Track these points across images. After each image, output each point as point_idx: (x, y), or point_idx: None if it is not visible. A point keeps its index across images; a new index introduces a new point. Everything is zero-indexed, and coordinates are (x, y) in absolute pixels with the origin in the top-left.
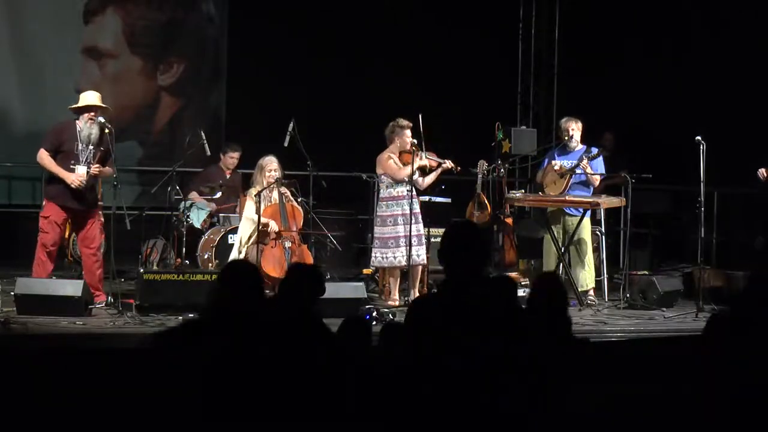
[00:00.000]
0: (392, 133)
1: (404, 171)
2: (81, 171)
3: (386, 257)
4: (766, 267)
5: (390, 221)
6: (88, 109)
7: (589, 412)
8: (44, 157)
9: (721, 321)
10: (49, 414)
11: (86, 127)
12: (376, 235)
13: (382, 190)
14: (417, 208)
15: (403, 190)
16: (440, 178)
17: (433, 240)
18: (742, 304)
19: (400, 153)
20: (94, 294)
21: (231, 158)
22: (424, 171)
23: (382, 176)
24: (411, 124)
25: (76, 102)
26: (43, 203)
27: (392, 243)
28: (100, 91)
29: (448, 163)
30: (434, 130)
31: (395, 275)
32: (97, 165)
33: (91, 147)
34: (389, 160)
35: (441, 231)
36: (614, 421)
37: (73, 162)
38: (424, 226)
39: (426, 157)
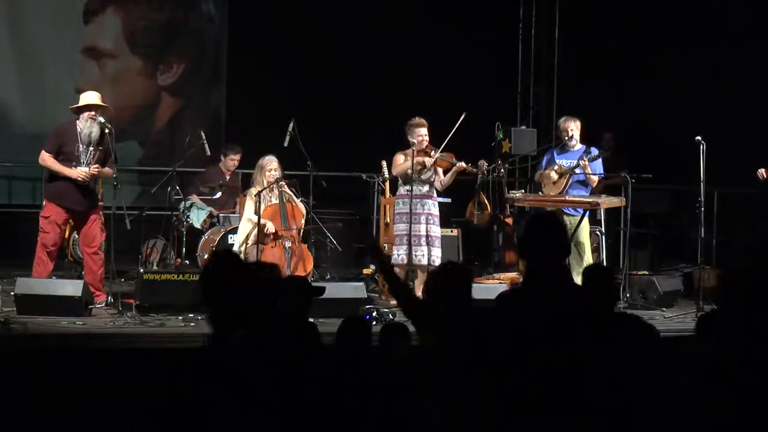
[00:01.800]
0: (407, 130)
1: (398, 168)
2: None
3: (395, 255)
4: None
5: (397, 219)
6: (87, 108)
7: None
8: (46, 158)
9: (710, 320)
10: (48, 413)
11: (86, 127)
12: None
13: (398, 189)
14: (431, 209)
15: (408, 189)
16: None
17: None
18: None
19: (417, 152)
20: (94, 294)
21: (232, 160)
22: (444, 171)
23: (397, 176)
24: (424, 122)
25: (77, 102)
26: (44, 203)
27: (398, 241)
28: (100, 91)
29: (461, 164)
30: (435, 130)
31: (401, 274)
32: (96, 165)
33: (91, 148)
34: (397, 156)
35: (441, 231)
36: (614, 420)
37: (74, 164)
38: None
39: (439, 158)
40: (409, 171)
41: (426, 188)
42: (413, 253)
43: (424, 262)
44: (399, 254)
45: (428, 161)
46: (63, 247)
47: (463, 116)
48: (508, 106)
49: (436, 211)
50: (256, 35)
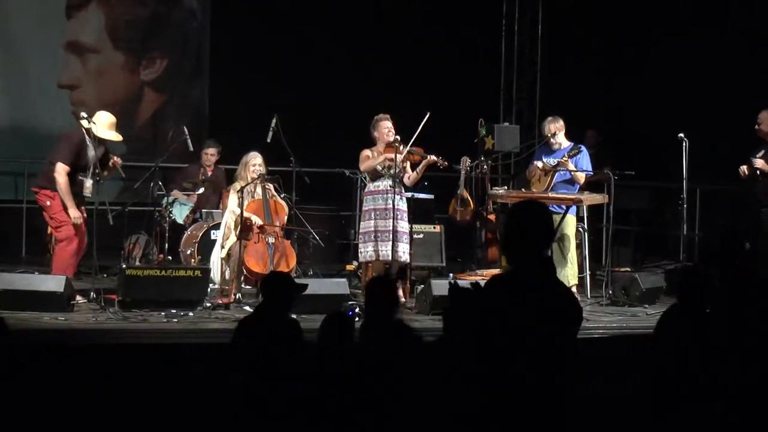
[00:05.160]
0: (372, 128)
1: (368, 162)
2: (88, 184)
3: (360, 252)
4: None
5: (367, 215)
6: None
7: (572, 408)
8: (64, 176)
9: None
10: (29, 409)
11: (92, 142)
12: (359, 230)
13: (367, 186)
14: (401, 205)
15: (381, 185)
16: (425, 174)
17: (415, 237)
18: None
19: (385, 147)
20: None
21: (206, 155)
22: (412, 166)
23: (365, 172)
24: (387, 116)
25: (61, 97)
26: (67, 210)
27: (365, 237)
28: (83, 85)
29: (432, 158)
30: (414, 124)
31: (378, 271)
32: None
33: (96, 156)
34: (363, 152)
35: (424, 228)
36: (597, 417)
37: (81, 174)
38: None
39: (410, 152)
40: (379, 167)
41: (393, 183)
42: (380, 249)
43: (400, 258)
44: (367, 251)
45: (398, 157)
46: (45, 242)
47: (427, 116)
48: (491, 103)
49: (404, 206)
50: (239, 30)
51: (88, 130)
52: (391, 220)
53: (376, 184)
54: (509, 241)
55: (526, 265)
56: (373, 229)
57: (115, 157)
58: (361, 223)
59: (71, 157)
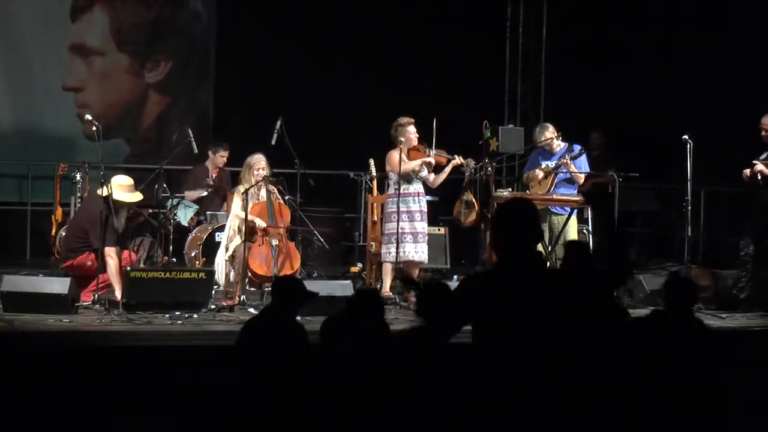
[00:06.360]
0: (396, 132)
1: (405, 165)
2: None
3: (388, 253)
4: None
5: (393, 217)
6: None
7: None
8: (116, 259)
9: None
10: (34, 411)
11: (112, 209)
12: (383, 232)
13: (390, 188)
14: (423, 206)
15: (407, 187)
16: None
17: None
18: None
19: (408, 150)
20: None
21: (222, 157)
22: (434, 169)
23: (390, 173)
24: (413, 120)
25: (66, 100)
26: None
27: (394, 239)
28: (87, 88)
29: (458, 159)
30: (423, 129)
31: (390, 271)
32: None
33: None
34: (394, 155)
35: (428, 230)
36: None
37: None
38: None
39: (434, 155)
40: (416, 168)
41: (420, 186)
42: (410, 250)
43: (424, 258)
44: (391, 252)
45: (431, 161)
46: (49, 245)
47: (434, 122)
48: (495, 105)
49: (426, 208)
50: (244, 33)
51: (106, 198)
52: (419, 223)
53: (403, 187)
54: (496, 239)
55: (513, 262)
56: (419, 230)
57: (143, 212)
58: (388, 224)
59: (115, 234)
